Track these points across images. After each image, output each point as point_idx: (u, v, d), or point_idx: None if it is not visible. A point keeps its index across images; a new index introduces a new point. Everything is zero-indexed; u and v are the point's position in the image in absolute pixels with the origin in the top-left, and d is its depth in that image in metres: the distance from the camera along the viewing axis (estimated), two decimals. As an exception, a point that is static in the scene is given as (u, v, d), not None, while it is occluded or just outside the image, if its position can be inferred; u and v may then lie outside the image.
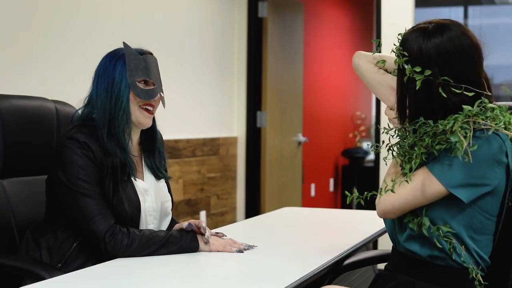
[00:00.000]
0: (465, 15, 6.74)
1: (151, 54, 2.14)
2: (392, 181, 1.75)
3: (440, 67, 1.70)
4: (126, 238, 1.93)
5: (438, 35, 1.73)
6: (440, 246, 1.72)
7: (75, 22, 3.28)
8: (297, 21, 5.63)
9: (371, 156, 7.68)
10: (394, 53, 1.80)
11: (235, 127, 4.99)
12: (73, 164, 1.97)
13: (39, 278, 1.86)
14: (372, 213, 2.72)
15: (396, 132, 1.84)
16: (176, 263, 1.90)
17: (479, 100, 1.69)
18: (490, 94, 1.74)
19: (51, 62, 3.13)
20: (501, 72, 7.11)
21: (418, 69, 1.71)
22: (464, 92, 1.69)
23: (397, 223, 1.82)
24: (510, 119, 1.70)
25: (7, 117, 2.17)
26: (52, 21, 3.13)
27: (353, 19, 8.04)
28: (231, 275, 1.84)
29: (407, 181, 1.72)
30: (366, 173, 7.31)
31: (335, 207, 7.56)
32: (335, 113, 7.44)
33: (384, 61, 1.96)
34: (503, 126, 1.67)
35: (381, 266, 2.03)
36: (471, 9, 6.84)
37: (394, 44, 1.81)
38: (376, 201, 1.78)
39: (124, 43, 2.11)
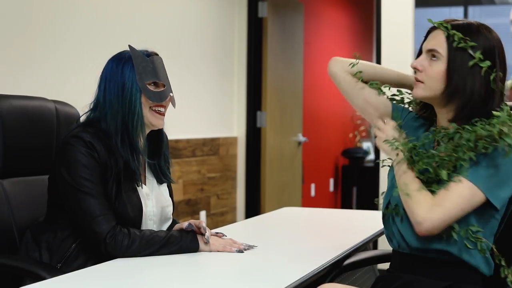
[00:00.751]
0: (465, 15, 6.74)
1: (157, 54, 2.13)
2: (428, 190, 1.73)
3: (500, 60, 1.76)
4: (127, 239, 1.93)
5: (492, 32, 1.79)
6: (470, 247, 1.72)
7: (75, 22, 3.28)
8: (297, 21, 5.63)
9: (371, 156, 7.69)
10: (447, 34, 1.77)
11: (235, 127, 4.99)
12: (77, 163, 1.96)
13: (39, 278, 1.86)
14: (372, 213, 2.72)
15: (424, 138, 1.82)
16: (176, 263, 1.90)
17: (508, 107, 1.75)
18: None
19: (51, 62, 3.13)
20: (501, 72, 7.11)
21: (481, 56, 1.74)
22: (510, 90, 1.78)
23: (408, 226, 1.79)
24: None
25: (7, 117, 2.17)
26: (52, 21, 3.13)
27: (353, 19, 8.04)
28: (231, 275, 1.84)
29: (460, 180, 1.69)
30: (366, 173, 7.31)
31: (335, 207, 7.56)
32: (335, 113, 7.44)
33: (360, 72, 1.97)
34: None
35: (381, 266, 2.03)
36: (471, 9, 6.84)
37: (445, 26, 1.78)
38: (418, 218, 1.71)
39: (130, 46, 2.09)
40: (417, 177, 1.76)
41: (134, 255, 1.94)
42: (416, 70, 1.81)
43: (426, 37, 1.84)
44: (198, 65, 4.46)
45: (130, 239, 1.93)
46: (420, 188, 1.73)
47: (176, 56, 4.17)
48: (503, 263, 1.75)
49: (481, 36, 1.76)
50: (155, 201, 2.14)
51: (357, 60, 1.99)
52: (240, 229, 2.53)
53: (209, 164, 4.57)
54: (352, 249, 2.14)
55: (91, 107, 2.10)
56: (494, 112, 1.71)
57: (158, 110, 2.10)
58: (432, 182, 1.75)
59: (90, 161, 1.97)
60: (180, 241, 1.99)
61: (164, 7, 4.07)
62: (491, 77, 1.74)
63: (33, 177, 2.29)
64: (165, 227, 2.21)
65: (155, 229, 2.13)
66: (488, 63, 1.73)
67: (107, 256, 1.93)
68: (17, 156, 2.22)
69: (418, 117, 1.95)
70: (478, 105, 1.74)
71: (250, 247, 2.07)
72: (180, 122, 4.19)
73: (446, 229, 1.72)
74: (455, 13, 6.93)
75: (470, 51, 1.73)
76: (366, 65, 2.00)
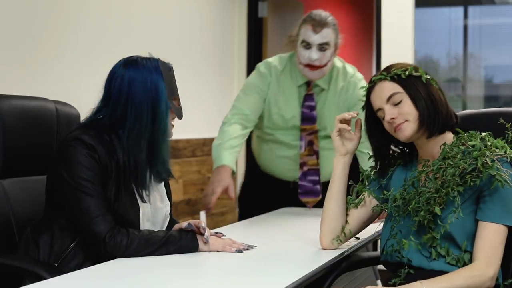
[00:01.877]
0: (465, 15, 6.74)
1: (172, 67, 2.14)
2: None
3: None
4: (126, 239, 1.93)
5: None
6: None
7: (76, 23, 3.28)
8: (297, 21, 5.63)
9: (371, 156, 7.65)
10: (390, 77, 1.94)
11: (235, 127, 4.98)
12: (78, 164, 1.96)
13: (39, 278, 1.86)
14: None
15: (412, 177, 1.92)
16: (176, 263, 1.90)
17: (476, 132, 1.89)
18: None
19: (52, 63, 3.13)
20: (501, 72, 7.11)
21: (423, 72, 1.94)
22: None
23: (423, 252, 1.86)
24: (499, 142, 1.86)
25: (8, 117, 2.17)
26: (54, 22, 3.13)
27: (353, 19, 8.04)
28: (231, 275, 1.84)
29: (485, 226, 1.79)
30: (366, 173, 7.28)
31: (335, 207, 7.54)
32: (335, 113, 7.42)
33: (344, 234, 2.08)
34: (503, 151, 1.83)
35: (381, 266, 2.03)
36: (471, 9, 6.85)
37: (383, 75, 1.95)
38: (478, 273, 1.76)
39: (159, 59, 2.08)
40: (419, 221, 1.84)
41: (133, 255, 1.94)
42: (393, 120, 1.92)
43: (368, 96, 1.97)
44: (199, 65, 4.46)
45: (129, 239, 1.93)
46: (460, 274, 1.77)
47: (176, 56, 4.16)
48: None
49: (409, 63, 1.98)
50: (152, 203, 2.13)
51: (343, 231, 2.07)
52: (240, 229, 2.53)
53: (209, 164, 4.56)
54: (352, 249, 2.14)
55: (99, 107, 2.06)
56: (470, 143, 1.84)
57: (172, 124, 2.13)
58: (428, 220, 1.83)
59: (91, 163, 1.97)
60: (180, 240, 1.99)
61: (164, 7, 4.07)
62: (435, 85, 1.94)
63: (33, 177, 2.29)
64: (163, 227, 2.20)
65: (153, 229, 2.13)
66: (428, 76, 1.93)
67: (105, 256, 1.93)
68: (17, 156, 2.22)
69: (390, 170, 2.05)
70: (442, 109, 1.90)
71: (249, 247, 2.08)
72: (180, 122, 4.17)
73: (456, 260, 1.82)
74: (455, 13, 6.93)
75: (414, 73, 1.92)
76: (335, 213, 2.08)
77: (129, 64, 2.06)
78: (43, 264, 1.98)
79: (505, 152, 1.81)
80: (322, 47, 2.83)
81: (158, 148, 2.05)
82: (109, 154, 2.00)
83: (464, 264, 1.80)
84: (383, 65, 4.78)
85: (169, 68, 2.08)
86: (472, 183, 1.79)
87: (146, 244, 1.95)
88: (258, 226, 2.61)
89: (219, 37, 4.72)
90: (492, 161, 1.78)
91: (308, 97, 2.92)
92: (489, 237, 1.78)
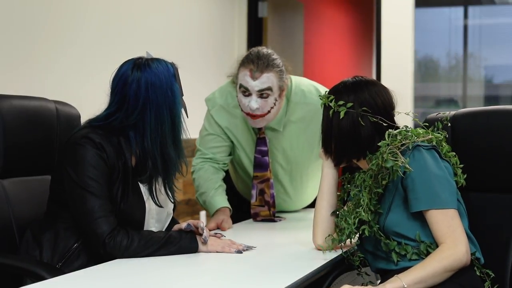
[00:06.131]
0: (465, 15, 6.75)
1: None
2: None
3: (359, 99, 1.93)
4: (126, 239, 1.93)
5: (360, 79, 1.99)
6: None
7: (77, 23, 3.28)
8: (297, 21, 5.63)
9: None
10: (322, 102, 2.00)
11: (235, 127, 4.98)
12: (85, 163, 1.95)
13: (39, 278, 1.86)
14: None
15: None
16: (175, 264, 1.90)
17: (387, 132, 1.86)
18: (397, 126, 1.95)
19: (53, 63, 3.13)
20: (501, 72, 7.11)
21: (341, 102, 1.93)
22: (380, 121, 1.89)
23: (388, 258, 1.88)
24: (415, 131, 1.87)
25: (8, 117, 2.17)
26: (54, 22, 3.13)
27: (353, 19, 8.04)
28: (230, 276, 1.84)
29: (431, 215, 1.78)
30: (366, 173, 7.29)
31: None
32: (335, 113, 7.42)
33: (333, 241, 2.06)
34: (415, 138, 1.84)
35: (381, 266, 2.03)
36: (471, 9, 6.85)
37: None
38: (462, 262, 1.76)
39: (174, 63, 2.11)
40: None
41: (133, 255, 1.94)
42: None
43: None
44: (199, 65, 4.46)
45: (129, 239, 1.93)
46: (432, 258, 1.76)
47: (176, 56, 4.14)
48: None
49: (341, 83, 2.02)
50: (159, 200, 2.13)
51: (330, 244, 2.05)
52: (239, 230, 2.53)
53: (209, 164, 4.56)
54: (353, 249, 2.13)
55: (112, 111, 2.04)
56: (379, 143, 1.84)
57: None
58: (374, 233, 1.86)
59: (99, 162, 1.96)
60: (180, 241, 1.99)
61: (164, 7, 4.07)
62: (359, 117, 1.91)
63: (33, 177, 2.29)
64: (166, 223, 2.20)
65: (156, 227, 2.14)
66: (343, 108, 1.91)
67: (105, 257, 1.93)
68: (17, 156, 2.22)
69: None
70: (350, 139, 1.94)
71: (249, 247, 2.08)
72: (180, 122, 4.18)
73: (415, 253, 1.83)
74: (455, 13, 6.93)
75: (330, 104, 1.96)
76: (328, 212, 2.09)
77: (142, 68, 2.04)
78: (43, 264, 1.98)
79: (409, 140, 1.82)
80: (262, 94, 2.47)
81: (180, 146, 2.10)
82: (117, 154, 2.01)
83: (427, 254, 1.80)
84: (383, 65, 4.81)
85: (176, 69, 2.10)
86: (384, 182, 1.81)
87: (146, 245, 1.95)
88: (257, 227, 2.61)
89: (219, 37, 4.72)
90: (391, 154, 1.78)
91: (260, 141, 2.66)
92: (438, 220, 1.77)
